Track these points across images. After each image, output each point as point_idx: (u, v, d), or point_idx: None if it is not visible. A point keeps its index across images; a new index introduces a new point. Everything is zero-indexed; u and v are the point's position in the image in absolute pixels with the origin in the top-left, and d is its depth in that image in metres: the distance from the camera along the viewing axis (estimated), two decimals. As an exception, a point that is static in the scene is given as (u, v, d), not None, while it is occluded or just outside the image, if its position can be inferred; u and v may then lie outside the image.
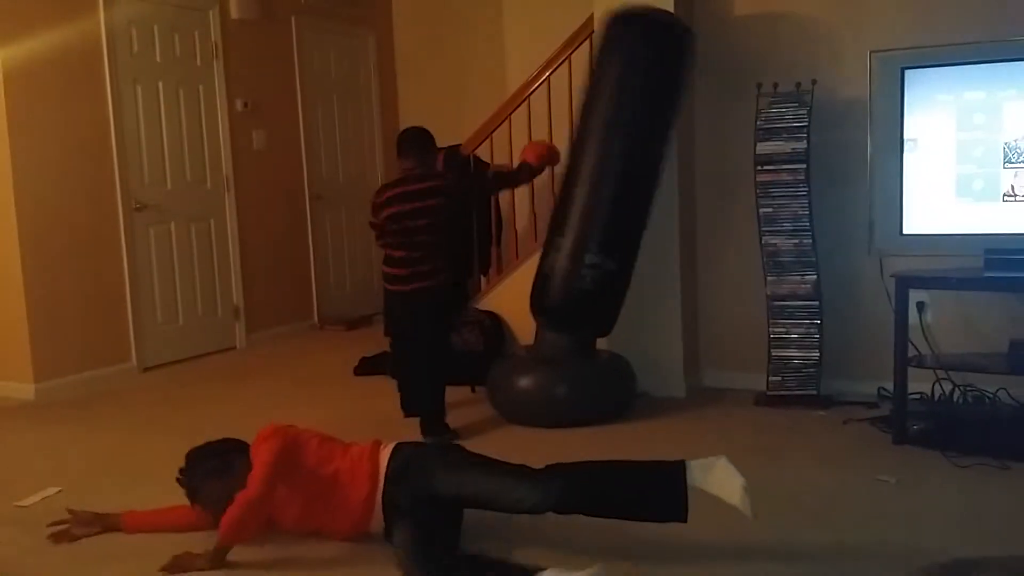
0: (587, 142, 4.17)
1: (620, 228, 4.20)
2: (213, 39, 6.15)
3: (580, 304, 4.20)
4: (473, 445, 4.02)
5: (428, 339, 4.16)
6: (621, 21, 4.14)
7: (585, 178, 4.16)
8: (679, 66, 4.15)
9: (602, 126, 4.13)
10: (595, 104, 4.15)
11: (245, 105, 6.37)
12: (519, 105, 5.12)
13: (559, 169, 4.40)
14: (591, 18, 4.72)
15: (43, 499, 3.47)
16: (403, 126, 5.16)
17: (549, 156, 4.35)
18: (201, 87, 6.10)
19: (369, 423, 4.16)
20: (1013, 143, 3.76)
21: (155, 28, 5.77)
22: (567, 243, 4.17)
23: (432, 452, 3.09)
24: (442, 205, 4.07)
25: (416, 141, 4.18)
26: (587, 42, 4.81)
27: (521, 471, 2.80)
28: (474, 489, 2.78)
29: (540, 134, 4.96)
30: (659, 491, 2.68)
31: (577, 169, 4.20)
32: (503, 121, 5.21)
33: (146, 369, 5.67)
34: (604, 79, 4.13)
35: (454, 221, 4.21)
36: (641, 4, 4.16)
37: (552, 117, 5.04)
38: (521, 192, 5.13)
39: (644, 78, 4.09)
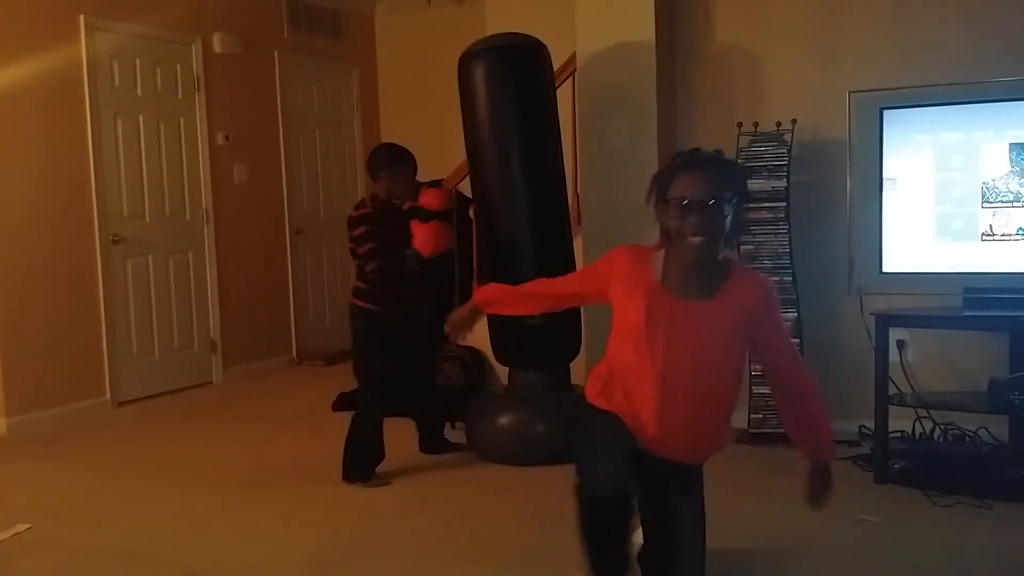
0: (488, 182, 4.19)
1: (551, 250, 4.17)
2: (195, 72, 6.14)
3: (536, 339, 4.19)
4: (449, 483, 3.97)
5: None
6: (474, 56, 4.12)
7: (499, 217, 4.18)
8: (540, 78, 4.17)
9: (495, 159, 4.14)
10: (479, 141, 4.17)
11: (226, 138, 6.35)
12: (501, 141, 5.11)
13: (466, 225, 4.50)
14: (573, 56, 4.76)
15: (13, 535, 3.39)
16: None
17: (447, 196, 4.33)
18: (182, 120, 6.08)
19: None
20: (991, 183, 3.79)
21: (137, 61, 5.76)
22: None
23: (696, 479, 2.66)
24: (365, 233, 4.06)
25: (374, 160, 4.33)
26: (570, 79, 4.85)
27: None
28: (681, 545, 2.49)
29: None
30: None
31: (489, 212, 4.23)
32: (485, 157, 5.20)
33: (120, 404, 5.59)
34: (477, 113, 4.15)
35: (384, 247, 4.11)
36: (487, 36, 4.23)
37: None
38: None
39: (511, 96, 4.10)
